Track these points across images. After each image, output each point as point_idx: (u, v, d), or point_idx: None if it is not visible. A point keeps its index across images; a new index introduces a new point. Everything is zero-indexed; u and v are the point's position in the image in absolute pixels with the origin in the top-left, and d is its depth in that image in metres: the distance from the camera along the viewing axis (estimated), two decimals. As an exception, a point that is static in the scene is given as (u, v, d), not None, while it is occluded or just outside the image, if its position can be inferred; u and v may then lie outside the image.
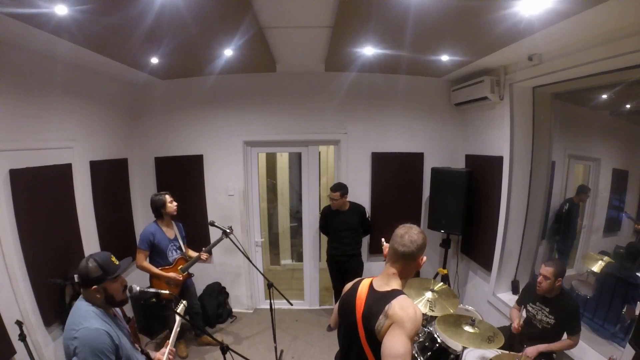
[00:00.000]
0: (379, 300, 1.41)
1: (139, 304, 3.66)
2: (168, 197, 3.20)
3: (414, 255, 1.45)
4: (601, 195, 3.07)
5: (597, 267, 2.87)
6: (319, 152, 4.25)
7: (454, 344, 2.27)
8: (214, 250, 3.39)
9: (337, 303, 1.67)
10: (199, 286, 3.87)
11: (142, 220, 4.15)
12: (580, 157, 3.41)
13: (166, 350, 1.92)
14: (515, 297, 3.11)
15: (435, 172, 3.80)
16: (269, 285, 3.01)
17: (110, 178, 3.64)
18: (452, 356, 2.29)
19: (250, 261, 3.25)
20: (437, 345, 2.33)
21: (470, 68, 3.34)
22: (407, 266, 1.48)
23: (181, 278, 3.21)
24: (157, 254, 3.15)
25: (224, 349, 2.04)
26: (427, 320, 2.67)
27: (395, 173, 4.07)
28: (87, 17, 1.98)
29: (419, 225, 1.54)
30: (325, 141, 4.25)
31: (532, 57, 2.68)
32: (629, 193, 2.77)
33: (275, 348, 3.04)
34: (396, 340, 1.28)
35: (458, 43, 2.66)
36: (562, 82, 2.79)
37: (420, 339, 2.43)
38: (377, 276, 1.54)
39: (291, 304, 3.31)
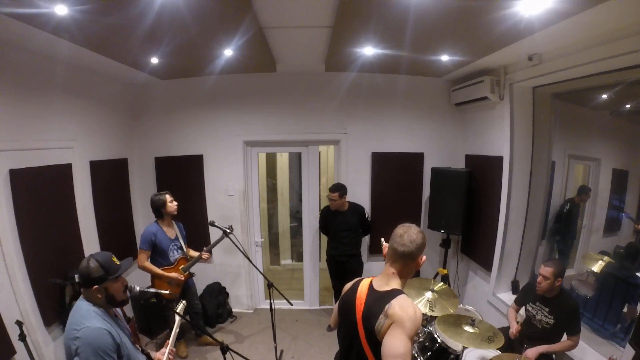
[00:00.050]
0: (379, 300, 1.41)
1: (139, 304, 3.66)
2: (168, 197, 3.19)
3: (413, 255, 1.45)
4: (601, 195, 3.07)
5: (597, 267, 2.87)
6: (319, 152, 4.25)
7: (454, 344, 2.27)
8: (213, 250, 3.39)
9: (337, 303, 1.67)
10: (199, 286, 3.87)
11: (142, 220, 4.15)
12: (580, 157, 3.41)
13: (166, 350, 1.92)
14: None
15: (435, 172, 3.80)
16: (269, 285, 3.01)
17: (110, 178, 3.64)
18: (452, 356, 2.29)
19: (250, 261, 3.25)
20: (437, 345, 2.33)
21: (470, 68, 3.34)
22: (407, 266, 1.47)
23: (183, 278, 3.21)
24: (158, 254, 3.15)
25: (224, 349, 2.04)
26: (427, 320, 2.67)
27: (395, 173, 4.07)
28: (87, 17, 1.98)
29: (419, 225, 1.54)
30: (325, 141, 4.25)
31: (532, 57, 2.68)
32: (629, 193, 2.77)
33: (275, 348, 3.05)
34: (396, 340, 1.28)
35: (458, 43, 2.66)
36: (562, 82, 2.79)
37: (420, 339, 2.44)
38: (377, 276, 1.54)
39: (291, 304, 3.31)
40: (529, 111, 3.18)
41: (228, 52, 2.96)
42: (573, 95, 3.14)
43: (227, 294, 4.26)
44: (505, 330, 2.56)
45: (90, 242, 3.21)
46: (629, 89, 2.51)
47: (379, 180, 4.08)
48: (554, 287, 2.37)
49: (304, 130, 4.03)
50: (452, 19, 2.10)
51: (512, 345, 2.48)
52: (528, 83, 3.03)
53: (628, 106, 2.80)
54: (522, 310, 2.67)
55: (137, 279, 3.85)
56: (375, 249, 4.14)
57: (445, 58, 3.03)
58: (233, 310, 4.29)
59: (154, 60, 3.06)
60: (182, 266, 3.24)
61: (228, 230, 3.15)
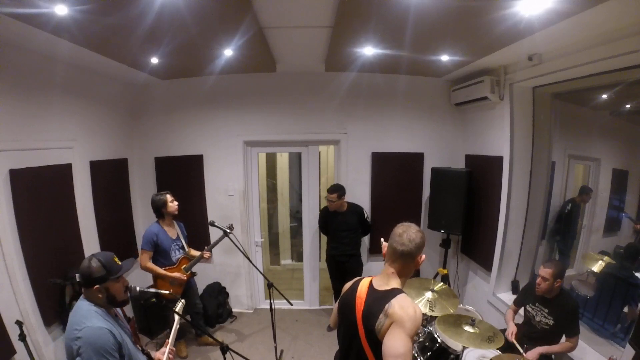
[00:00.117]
0: (379, 299, 1.41)
1: (139, 304, 3.67)
2: (169, 197, 3.19)
3: (412, 254, 1.45)
4: (601, 195, 3.07)
5: (597, 267, 2.87)
6: (319, 152, 4.25)
7: (454, 344, 2.27)
8: (213, 250, 3.39)
9: (337, 303, 1.67)
10: (199, 286, 3.86)
11: (142, 220, 4.15)
12: (580, 157, 3.41)
13: (166, 349, 1.92)
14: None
15: (435, 172, 3.80)
16: (269, 285, 3.01)
17: (110, 178, 3.64)
18: (452, 356, 2.29)
19: (250, 261, 3.25)
20: (437, 345, 2.33)
21: (470, 68, 3.34)
22: (406, 265, 1.48)
23: (185, 277, 3.22)
24: (160, 254, 3.15)
25: (224, 349, 2.04)
26: (427, 320, 2.67)
27: (395, 173, 4.07)
28: (87, 17, 1.98)
29: (418, 225, 1.54)
30: (325, 141, 4.25)
31: (532, 57, 2.68)
32: (629, 193, 2.77)
33: (275, 348, 3.05)
34: (397, 340, 1.29)
35: (458, 43, 2.66)
36: (562, 82, 2.79)
37: (420, 339, 2.44)
38: (377, 275, 1.54)
39: (291, 304, 3.31)
40: (529, 111, 3.18)
41: (228, 52, 2.96)
42: (573, 95, 3.14)
43: (227, 294, 4.26)
44: (505, 331, 2.56)
45: (90, 242, 3.21)
46: (629, 89, 2.51)
47: (379, 180, 4.08)
48: (553, 288, 2.36)
49: (304, 130, 4.03)
50: (452, 19, 2.10)
51: (511, 345, 2.48)
52: (528, 83, 3.03)
53: (628, 106, 2.80)
54: (522, 311, 2.67)
55: (137, 279, 3.85)
56: (375, 249, 4.14)
57: (445, 58, 3.03)
58: (233, 310, 4.29)
59: (154, 60, 3.06)
60: (184, 266, 3.24)
61: (228, 230, 3.15)
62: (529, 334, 2.51)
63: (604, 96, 2.92)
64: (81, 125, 3.20)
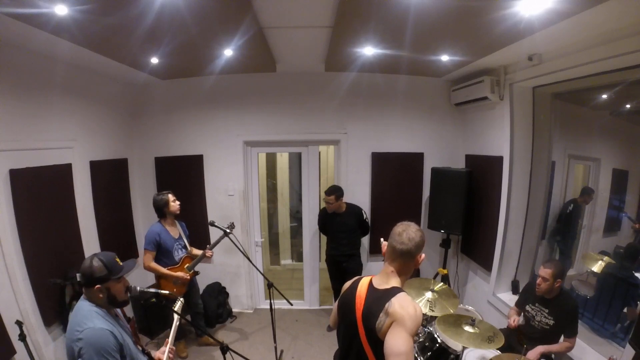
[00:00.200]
0: (379, 298, 1.41)
1: (139, 304, 3.67)
2: (171, 197, 3.19)
3: (412, 253, 1.45)
4: (601, 195, 3.07)
5: (597, 267, 2.87)
6: (319, 152, 4.25)
7: (454, 344, 2.27)
8: (214, 249, 3.39)
9: (336, 302, 1.67)
10: (199, 286, 3.86)
11: (142, 220, 4.15)
12: (580, 157, 3.41)
13: (166, 349, 1.92)
14: (515, 297, 3.12)
15: (435, 172, 3.80)
16: (269, 285, 3.01)
17: (110, 178, 3.64)
18: (452, 356, 2.28)
19: (250, 261, 3.25)
20: (437, 345, 2.33)
21: (470, 68, 3.34)
22: (406, 264, 1.48)
23: (188, 277, 3.23)
24: (163, 254, 3.15)
25: (224, 349, 2.04)
26: (427, 320, 2.67)
27: (395, 173, 4.07)
28: (87, 17, 1.98)
29: (418, 225, 1.54)
30: (325, 141, 4.25)
31: (532, 57, 2.68)
32: (629, 193, 2.77)
33: (275, 348, 3.05)
34: (398, 339, 1.29)
35: (458, 43, 2.66)
36: (562, 82, 2.79)
37: (421, 339, 2.43)
38: (377, 274, 1.54)
39: (291, 304, 3.31)
40: (529, 111, 3.18)
41: (228, 52, 2.96)
42: (573, 95, 3.14)
43: (227, 294, 4.26)
44: (505, 330, 2.56)
45: (90, 242, 3.21)
46: (629, 89, 2.51)
47: (379, 180, 4.08)
48: (553, 288, 2.37)
49: (304, 130, 4.03)
50: (452, 19, 2.10)
51: (511, 345, 2.48)
52: (528, 83, 3.03)
53: (628, 106, 2.80)
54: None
55: (137, 280, 3.85)
56: (375, 249, 4.14)
57: (445, 58, 3.03)
58: (233, 310, 4.29)
59: (154, 60, 3.06)
60: (187, 265, 3.25)
61: (228, 230, 3.15)
62: (529, 334, 2.51)
63: (604, 96, 2.92)
64: (81, 125, 3.20)
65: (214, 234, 3.80)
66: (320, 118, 4.01)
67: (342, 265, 3.74)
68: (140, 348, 1.82)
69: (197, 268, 3.32)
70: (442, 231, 3.78)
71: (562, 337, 2.40)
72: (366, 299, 1.46)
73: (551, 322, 2.38)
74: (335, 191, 3.56)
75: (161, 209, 3.16)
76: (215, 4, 1.96)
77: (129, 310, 3.71)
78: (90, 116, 3.33)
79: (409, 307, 1.35)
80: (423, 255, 1.51)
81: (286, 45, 2.98)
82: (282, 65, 3.64)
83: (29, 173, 2.53)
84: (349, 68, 3.61)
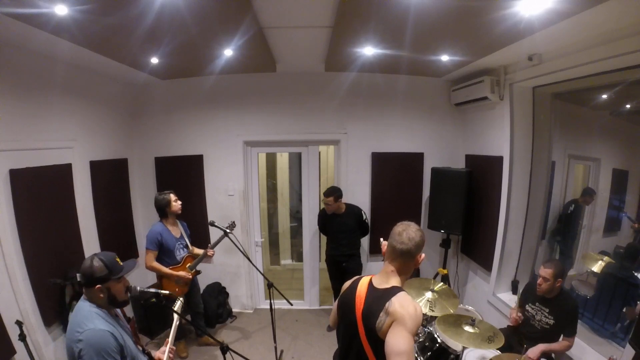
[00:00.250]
0: (379, 298, 1.42)
1: (139, 304, 3.67)
2: (172, 196, 3.20)
3: (412, 253, 1.45)
4: (601, 195, 3.07)
5: (597, 267, 2.87)
6: (319, 152, 4.25)
7: (454, 344, 2.27)
8: (214, 249, 3.40)
9: (336, 302, 1.67)
10: (199, 286, 3.87)
11: (142, 220, 4.15)
12: (580, 157, 3.40)
13: (166, 349, 1.92)
14: (515, 297, 3.12)
15: (435, 172, 3.80)
16: (269, 285, 3.01)
17: (110, 178, 3.64)
18: (452, 356, 2.28)
19: (250, 261, 3.25)
20: (437, 345, 2.33)
21: (470, 68, 3.34)
22: (406, 264, 1.48)
23: (190, 276, 3.23)
24: (164, 254, 3.15)
25: (224, 349, 2.04)
26: (427, 320, 2.67)
27: (395, 173, 4.07)
28: (87, 17, 1.98)
29: (418, 225, 1.54)
30: (325, 141, 4.25)
31: (532, 57, 2.68)
32: (629, 193, 2.77)
33: (275, 348, 3.04)
34: (399, 338, 1.29)
35: (458, 43, 2.66)
36: (562, 82, 2.79)
37: (421, 339, 2.43)
38: (377, 274, 1.54)
39: (291, 304, 3.31)
40: (529, 111, 3.18)
41: (228, 52, 2.96)
42: (573, 95, 3.14)
43: (227, 294, 4.26)
44: (505, 330, 2.56)
45: (90, 242, 3.21)
46: (629, 89, 2.50)
47: (379, 180, 4.08)
48: (554, 288, 2.37)
49: (304, 130, 4.03)
50: (452, 19, 2.10)
51: (511, 345, 2.48)
52: (528, 83, 3.03)
53: (628, 106, 2.80)
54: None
55: (137, 279, 3.85)
56: (375, 249, 4.14)
57: (445, 58, 3.03)
58: (233, 310, 4.29)
59: (154, 60, 3.06)
60: (189, 264, 3.25)
61: (228, 230, 3.15)
62: (529, 334, 2.51)
63: (604, 96, 2.92)
64: (81, 125, 3.20)
65: (214, 233, 3.80)
66: (320, 118, 4.01)
67: (341, 265, 3.74)
68: (141, 348, 1.82)
69: (198, 267, 3.33)
70: (442, 231, 3.78)
71: (561, 337, 2.40)
72: (366, 298, 1.46)
73: (551, 322, 2.39)
74: (334, 192, 3.55)
75: (163, 209, 3.17)
76: (215, 4, 1.96)
77: (129, 310, 3.71)
78: (90, 116, 3.33)
79: (409, 306, 1.35)
80: (423, 255, 1.51)
81: (286, 45, 2.98)
82: (282, 65, 3.64)
83: (29, 173, 2.53)
84: (349, 68, 3.61)
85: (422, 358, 2.32)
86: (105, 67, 3.12)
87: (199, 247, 3.41)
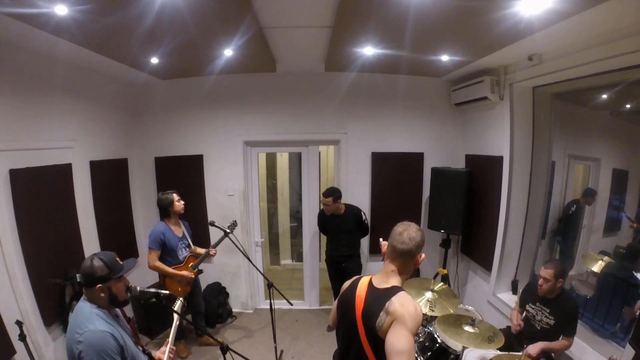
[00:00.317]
0: (379, 297, 1.42)
1: (139, 304, 3.67)
2: (175, 196, 3.20)
3: (412, 253, 1.46)
4: (601, 195, 3.07)
5: (597, 267, 2.87)
6: (319, 152, 4.25)
7: (454, 344, 2.27)
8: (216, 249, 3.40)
9: (336, 301, 1.67)
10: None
11: (142, 220, 4.15)
12: (580, 157, 3.40)
13: (166, 349, 1.92)
14: (515, 297, 3.12)
15: (435, 172, 3.80)
16: (269, 285, 3.01)
17: (110, 178, 3.64)
18: (452, 356, 2.29)
19: (250, 261, 3.25)
20: (437, 345, 2.33)
21: (470, 68, 3.34)
22: (406, 264, 1.48)
23: (193, 276, 3.24)
24: (167, 253, 3.16)
25: (224, 349, 2.04)
26: (427, 320, 2.67)
27: (395, 173, 4.07)
28: (87, 17, 1.98)
29: (418, 225, 1.54)
30: (325, 141, 4.25)
31: (532, 57, 2.68)
32: (629, 193, 2.77)
33: (275, 348, 3.04)
34: (400, 337, 1.29)
35: (458, 43, 2.66)
36: (562, 82, 2.79)
37: (421, 339, 2.43)
38: (376, 274, 1.55)
39: (291, 304, 3.31)
40: (529, 111, 3.18)
41: (228, 52, 2.96)
42: (573, 95, 3.14)
43: (227, 294, 4.26)
44: (505, 331, 2.56)
45: (90, 242, 3.21)
46: (629, 89, 2.50)
47: (379, 180, 4.08)
48: (555, 289, 2.37)
49: (304, 130, 4.03)
50: (452, 19, 2.10)
51: (511, 345, 2.48)
52: (528, 83, 3.03)
53: (628, 106, 2.80)
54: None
55: (137, 279, 3.86)
56: (375, 249, 4.14)
57: (445, 58, 3.03)
58: (233, 310, 4.29)
59: (154, 60, 3.06)
60: (191, 264, 3.26)
61: (228, 230, 3.15)
62: (528, 334, 2.51)
63: (604, 96, 2.92)
64: (81, 125, 3.20)
65: (215, 233, 3.80)
66: (320, 118, 4.01)
67: (341, 266, 3.73)
68: (141, 348, 1.82)
69: (199, 267, 3.33)
70: (442, 231, 3.78)
71: (560, 336, 2.40)
72: (366, 298, 1.46)
73: (552, 322, 2.39)
74: (333, 193, 3.54)
75: (166, 209, 3.17)
76: (215, 4, 1.96)
77: (129, 310, 3.71)
78: (90, 116, 3.33)
79: (409, 305, 1.35)
80: (423, 255, 1.52)
81: (286, 45, 2.98)
82: (282, 65, 3.64)
83: (29, 173, 2.53)
84: (349, 68, 3.61)
85: (422, 358, 2.32)
86: (105, 67, 3.12)
87: (199, 247, 3.41)
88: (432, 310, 2.43)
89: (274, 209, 5.81)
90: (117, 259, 1.68)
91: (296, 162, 5.32)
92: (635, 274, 2.55)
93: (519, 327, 2.54)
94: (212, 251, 3.29)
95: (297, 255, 5.72)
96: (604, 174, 3.02)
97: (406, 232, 1.47)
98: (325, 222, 3.76)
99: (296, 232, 5.70)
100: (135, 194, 4.09)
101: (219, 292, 4.14)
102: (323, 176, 4.95)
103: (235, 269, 4.27)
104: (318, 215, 3.95)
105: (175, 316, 2.02)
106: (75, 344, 1.48)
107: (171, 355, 1.92)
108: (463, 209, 3.57)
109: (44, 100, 2.74)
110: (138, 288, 1.73)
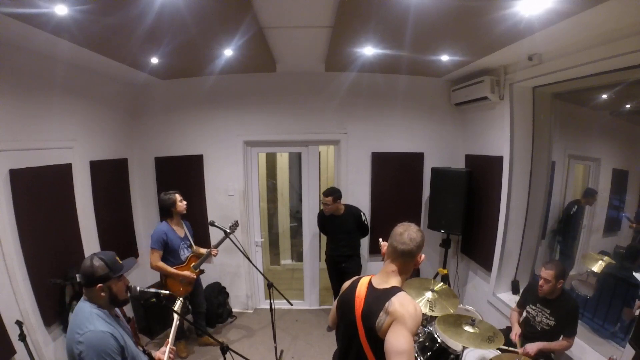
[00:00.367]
0: (379, 297, 1.42)
1: (139, 304, 3.67)
2: (178, 196, 3.21)
3: (413, 253, 1.47)
4: (601, 195, 3.07)
5: (597, 267, 2.87)
6: (319, 152, 4.25)
7: (454, 344, 2.27)
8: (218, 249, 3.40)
9: (335, 302, 1.68)
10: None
11: (142, 220, 4.15)
12: (580, 157, 3.40)
13: (166, 349, 1.92)
14: (515, 297, 3.12)
15: (435, 172, 3.80)
16: (269, 285, 3.01)
17: (110, 178, 3.64)
18: (452, 356, 2.28)
19: (250, 261, 3.25)
20: (437, 345, 2.33)
21: (470, 68, 3.34)
22: (407, 264, 1.49)
23: (195, 276, 3.25)
24: (169, 253, 3.16)
25: (224, 349, 2.04)
26: (427, 320, 2.67)
27: (395, 173, 4.06)
28: (87, 17, 1.98)
29: (418, 225, 1.55)
30: (325, 141, 4.25)
31: (532, 57, 2.68)
32: (629, 193, 2.77)
33: (275, 348, 3.04)
34: (399, 337, 1.29)
35: (458, 43, 2.66)
36: (562, 82, 2.79)
37: (421, 339, 2.43)
38: (376, 274, 1.55)
39: (291, 304, 3.31)
40: (529, 111, 3.18)
41: (228, 52, 2.96)
42: (573, 95, 3.14)
43: (227, 294, 4.26)
44: (505, 331, 2.56)
45: (90, 242, 3.21)
46: (629, 89, 2.50)
47: (379, 180, 4.08)
48: (555, 289, 2.37)
49: (304, 130, 4.03)
50: (452, 19, 2.10)
51: (511, 345, 2.47)
52: (528, 83, 3.03)
53: (628, 106, 2.80)
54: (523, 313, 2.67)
55: (137, 279, 3.86)
56: (375, 249, 4.14)
57: (445, 58, 3.03)
58: (233, 310, 4.29)
59: (154, 60, 3.06)
60: (193, 264, 3.26)
61: (228, 231, 3.15)
62: (528, 334, 2.51)
63: (604, 96, 2.92)
64: (81, 125, 3.20)
65: (215, 233, 3.80)
66: (320, 118, 4.01)
67: (341, 266, 3.73)
68: (141, 348, 1.82)
69: (203, 266, 3.34)
70: (442, 231, 3.78)
71: (560, 336, 2.40)
72: (366, 298, 1.46)
73: (552, 323, 2.39)
74: (333, 193, 3.53)
75: (168, 209, 3.18)
76: (215, 4, 1.96)
77: (129, 310, 3.71)
78: (90, 116, 3.33)
79: (409, 305, 1.35)
80: (423, 256, 1.53)
81: (286, 45, 2.98)
82: (282, 65, 3.64)
83: (29, 173, 2.53)
84: (349, 68, 3.61)
85: (422, 358, 2.32)
86: (105, 67, 3.12)
87: (200, 247, 3.41)
88: (432, 310, 2.43)
89: (274, 209, 5.81)
90: (117, 258, 1.69)
91: (296, 162, 5.32)
92: (635, 274, 2.55)
93: (517, 337, 2.52)
94: (214, 251, 3.30)
95: (297, 255, 5.72)
96: (604, 174, 3.01)
97: (407, 232, 1.47)
98: (325, 222, 3.76)
99: (296, 232, 5.70)
100: (135, 194, 4.09)
101: (219, 292, 4.14)
102: (323, 176, 4.95)
103: (235, 269, 4.27)
104: (318, 215, 3.95)
105: (175, 316, 2.02)
106: (75, 344, 1.48)
107: (171, 356, 1.92)
108: (463, 209, 3.57)
109: (44, 100, 2.74)
110: (138, 288, 1.73)
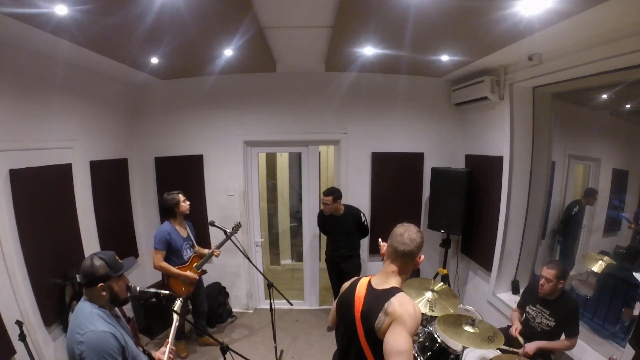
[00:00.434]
0: (378, 298, 1.42)
1: (139, 304, 3.67)
2: (181, 197, 3.21)
3: (413, 254, 1.47)
4: (601, 195, 3.07)
5: (597, 267, 2.87)
6: (319, 152, 4.25)
7: (454, 344, 2.27)
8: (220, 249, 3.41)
9: (335, 302, 1.68)
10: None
11: (142, 220, 4.15)
12: (580, 157, 3.41)
13: (166, 349, 1.92)
14: (515, 297, 3.12)
15: (435, 172, 3.80)
16: (269, 285, 3.01)
17: (110, 178, 3.64)
18: (452, 356, 2.28)
19: (250, 261, 3.25)
20: (437, 345, 2.33)
21: (470, 68, 3.34)
22: (406, 264, 1.49)
23: (197, 276, 3.25)
24: (172, 254, 3.17)
25: (224, 349, 2.04)
26: (427, 320, 2.67)
27: (395, 173, 4.06)
28: (87, 17, 1.98)
29: (418, 225, 1.55)
30: (325, 141, 4.25)
31: (532, 57, 2.68)
32: (629, 193, 2.77)
33: (275, 348, 3.04)
34: (399, 337, 1.29)
35: (458, 43, 2.66)
36: (562, 82, 2.79)
37: (420, 339, 2.43)
38: (376, 274, 1.55)
39: (291, 304, 3.31)
40: (529, 111, 3.18)
41: (228, 52, 2.96)
42: (573, 95, 3.14)
43: (227, 294, 4.26)
44: (505, 330, 2.56)
45: (90, 242, 3.21)
46: (629, 89, 2.50)
47: (379, 180, 4.08)
48: (556, 289, 2.36)
49: (304, 130, 4.03)
50: (452, 19, 2.10)
51: (511, 345, 2.47)
52: (528, 83, 3.03)
53: (628, 106, 2.80)
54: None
55: (137, 279, 3.86)
56: (375, 250, 4.14)
57: (445, 58, 3.03)
58: (233, 310, 4.29)
59: (154, 60, 3.06)
60: (195, 264, 3.26)
61: (230, 231, 3.15)
62: (528, 335, 2.51)
63: (604, 96, 2.92)
64: (81, 125, 3.20)
65: (215, 233, 3.80)
66: (320, 118, 4.01)
67: (340, 266, 3.73)
68: (141, 348, 1.82)
69: (203, 267, 3.34)
70: (442, 231, 3.78)
71: (562, 336, 2.39)
72: (365, 298, 1.46)
73: (552, 324, 2.38)
74: (333, 193, 3.52)
75: (172, 209, 3.18)
76: (215, 4, 1.96)
77: (129, 310, 3.71)
78: (90, 116, 3.33)
79: (408, 306, 1.35)
80: (422, 256, 1.53)
81: (286, 45, 2.98)
82: (282, 65, 3.64)
83: (29, 173, 2.53)
84: (349, 68, 3.61)
85: (422, 358, 2.32)
86: (105, 67, 3.12)
87: (201, 247, 3.41)
88: (432, 310, 2.43)
89: (274, 209, 5.81)
90: (117, 257, 1.69)
91: (296, 162, 5.32)
92: (635, 274, 2.55)
93: (516, 333, 2.52)
94: (216, 252, 3.30)
95: (297, 255, 5.72)
96: (604, 174, 3.02)
97: (407, 233, 1.48)
98: (325, 222, 3.76)
99: (296, 232, 5.70)
100: (135, 194, 4.09)
101: (219, 292, 4.14)
102: (323, 176, 4.95)
103: (235, 269, 4.27)
104: (318, 215, 3.95)
105: (175, 316, 2.02)
106: (76, 344, 1.48)
107: (171, 356, 1.92)
108: (463, 209, 3.57)
109: (44, 100, 2.74)
110: (138, 288, 1.73)
